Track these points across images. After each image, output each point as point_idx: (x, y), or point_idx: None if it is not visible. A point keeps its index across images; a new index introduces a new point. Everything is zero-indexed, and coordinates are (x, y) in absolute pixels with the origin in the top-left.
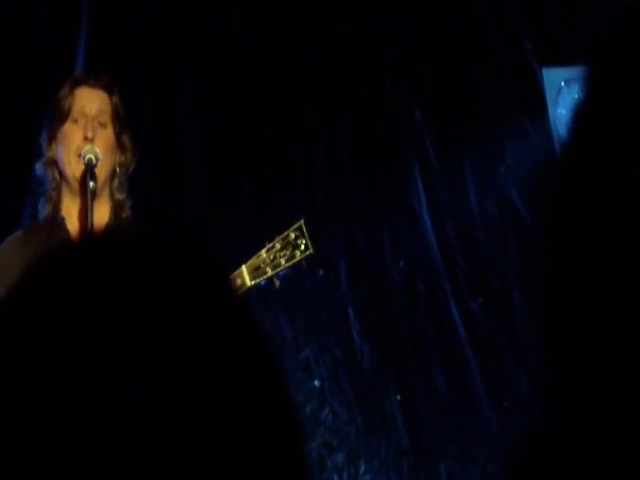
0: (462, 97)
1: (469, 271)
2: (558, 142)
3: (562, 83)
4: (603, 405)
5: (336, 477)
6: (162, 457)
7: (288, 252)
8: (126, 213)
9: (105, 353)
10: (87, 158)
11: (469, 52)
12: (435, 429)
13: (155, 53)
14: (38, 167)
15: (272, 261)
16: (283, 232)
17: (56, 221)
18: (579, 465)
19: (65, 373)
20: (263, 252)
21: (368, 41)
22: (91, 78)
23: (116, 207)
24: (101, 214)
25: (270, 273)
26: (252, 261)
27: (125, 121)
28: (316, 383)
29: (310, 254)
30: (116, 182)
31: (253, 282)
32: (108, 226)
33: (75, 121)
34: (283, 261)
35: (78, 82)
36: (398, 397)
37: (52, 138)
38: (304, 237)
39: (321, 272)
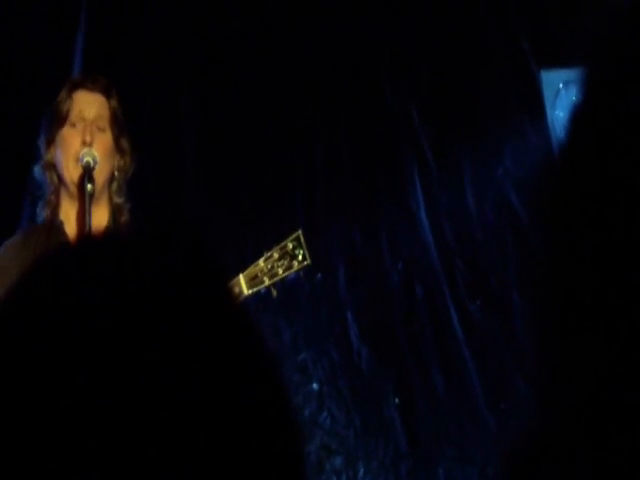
0: (460, 98)
1: (467, 273)
2: (556, 143)
3: (560, 85)
4: (603, 405)
5: None
6: (161, 458)
7: (286, 262)
8: (125, 217)
9: (104, 354)
10: (85, 161)
11: (468, 53)
12: (433, 431)
13: (154, 53)
14: (37, 170)
15: (270, 270)
16: (281, 242)
17: (55, 224)
18: (578, 466)
19: (64, 374)
20: (261, 261)
21: (367, 42)
22: (89, 81)
23: (115, 211)
24: (100, 218)
25: (267, 282)
26: (249, 270)
27: (124, 124)
28: (314, 386)
29: (308, 264)
30: (115, 186)
31: (250, 291)
32: (107, 229)
33: (73, 125)
34: (281, 271)
35: (76, 85)
36: (396, 399)
37: (51, 142)
38: (302, 247)
39: (319, 275)
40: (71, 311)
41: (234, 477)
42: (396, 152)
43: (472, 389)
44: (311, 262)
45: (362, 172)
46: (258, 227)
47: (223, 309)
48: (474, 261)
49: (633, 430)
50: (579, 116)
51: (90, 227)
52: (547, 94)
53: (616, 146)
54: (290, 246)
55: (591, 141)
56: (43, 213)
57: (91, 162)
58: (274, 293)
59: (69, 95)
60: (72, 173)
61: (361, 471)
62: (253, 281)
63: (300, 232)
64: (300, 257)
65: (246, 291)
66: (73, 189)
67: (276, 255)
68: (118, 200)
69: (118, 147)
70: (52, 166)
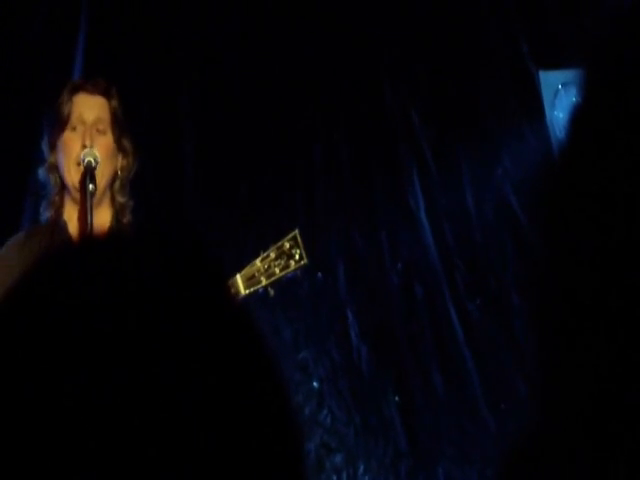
0: (460, 99)
1: (467, 273)
2: (555, 145)
3: (559, 86)
4: (602, 405)
5: (335, 478)
6: (161, 458)
7: (283, 261)
8: (128, 217)
9: (104, 353)
10: (86, 161)
11: (467, 54)
12: (433, 430)
13: (154, 54)
14: (41, 172)
15: (266, 270)
16: (278, 242)
17: (58, 225)
18: (578, 466)
19: (64, 373)
20: (257, 261)
21: (366, 43)
22: (89, 83)
23: (118, 211)
24: (103, 219)
25: (264, 282)
26: (246, 270)
27: (125, 125)
28: (315, 385)
29: (305, 264)
30: (117, 185)
31: (247, 291)
32: (108, 229)
33: (74, 129)
34: (277, 270)
35: (76, 88)
36: (396, 398)
37: (53, 145)
38: (298, 247)
39: (319, 274)
40: (71, 310)
41: (234, 476)
42: (396, 152)
43: (472, 389)
44: (308, 261)
45: (362, 172)
46: (258, 227)
47: (223, 308)
48: (473, 261)
49: (633, 430)
50: (579, 117)
51: (92, 227)
52: (546, 95)
53: (616, 147)
54: (287, 245)
55: (591, 142)
56: (47, 213)
57: (92, 162)
58: (271, 293)
59: (69, 98)
60: (73, 177)
61: (361, 469)
62: (250, 281)
63: (297, 232)
64: (297, 256)
65: (243, 291)
66: (75, 193)
67: (273, 255)
68: (121, 199)
69: (120, 148)
70: (55, 168)
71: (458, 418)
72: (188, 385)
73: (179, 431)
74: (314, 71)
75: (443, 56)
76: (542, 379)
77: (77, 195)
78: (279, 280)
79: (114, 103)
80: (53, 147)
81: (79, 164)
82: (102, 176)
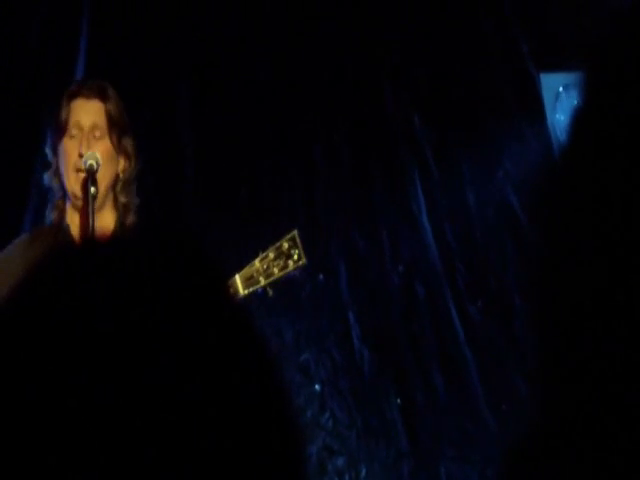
0: (460, 102)
1: (468, 275)
2: (556, 146)
3: (560, 88)
4: (603, 405)
5: None
6: (162, 459)
7: (281, 262)
8: (131, 218)
9: (104, 355)
10: (88, 164)
11: (467, 57)
12: (435, 432)
13: (154, 57)
14: (46, 176)
15: (265, 270)
16: (276, 242)
17: (62, 227)
18: (578, 466)
19: (66, 374)
20: (256, 261)
21: (367, 45)
22: (85, 88)
23: (121, 212)
24: (106, 221)
25: (263, 282)
26: (245, 270)
27: (125, 125)
28: (316, 387)
29: (303, 264)
30: (119, 187)
31: (246, 291)
32: (108, 232)
33: (72, 136)
34: (276, 270)
35: (73, 95)
36: (398, 400)
37: (54, 151)
38: (297, 247)
39: (321, 276)
40: (72, 311)
41: (235, 478)
42: (397, 154)
43: (473, 390)
44: (309, 263)
45: (362, 174)
46: (258, 229)
47: (224, 310)
48: (474, 262)
49: (633, 430)
50: (580, 119)
51: (94, 230)
52: (547, 97)
53: (616, 149)
54: (286, 246)
55: (591, 144)
56: (52, 216)
57: (94, 165)
58: (270, 293)
59: (67, 105)
60: (72, 184)
61: (363, 472)
62: (249, 281)
63: (296, 232)
64: (296, 256)
65: (242, 291)
66: (74, 200)
67: (272, 255)
68: (124, 200)
69: (120, 150)
70: (58, 174)
71: (459, 419)
72: (189, 387)
73: (181, 433)
74: (315, 73)
75: (444, 59)
76: (543, 379)
77: (77, 201)
78: (278, 280)
79: (109, 106)
80: (54, 153)
81: (77, 171)
82: (102, 179)
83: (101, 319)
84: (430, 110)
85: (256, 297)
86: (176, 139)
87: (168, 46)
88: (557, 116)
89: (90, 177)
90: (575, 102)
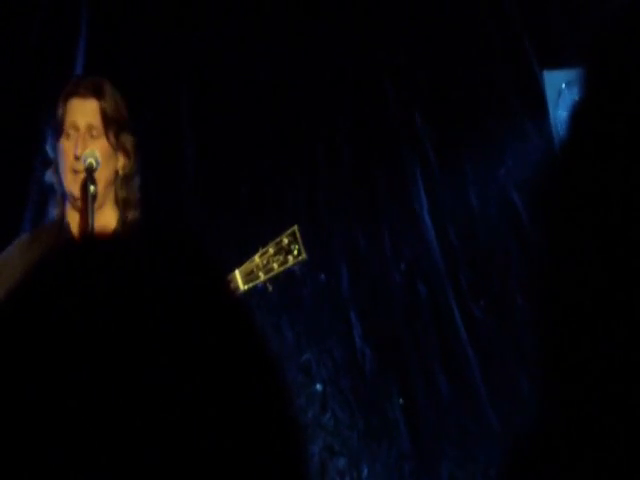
0: (462, 99)
1: (470, 273)
2: (559, 144)
3: (563, 85)
4: (604, 405)
5: None
6: (161, 458)
7: (281, 257)
8: (132, 213)
9: (102, 354)
10: (87, 162)
11: (469, 54)
12: (437, 432)
13: (154, 56)
14: (48, 174)
15: (265, 266)
16: (276, 238)
17: (62, 226)
18: (580, 466)
19: (65, 372)
20: (256, 257)
21: (369, 44)
22: (81, 86)
23: (122, 208)
24: (107, 219)
25: (263, 278)
26: (245, 266)
27: (122, 121)
28: (318, 387)
29: (303, 259)
30: (119, 183)
31: (246, 286)
32: (110, 230)
33: (68, 137)
34: (276, 266)
35: (69, 94)
36: (400, 400)
37: (54, 150)
38: (297, 242)
39: (322, 276)
40: (71, 310)
41: (236, 479)
42: (399, 153)
43: (475, 389)
44: (311, 261)
45: (364, 173)
46: (260, 228)
47: (225, 309)
48: (477, 261)
49: (633, 430)
50: (580, 115)
51: (93, 228)
52: (550, 94)
53: (617, 145)
54: (286, 241)
55: (592, 141)
56: (54, 212)
57: (94, 163)
58: (269, 288)
59: (63, 105)
60: (70, 185)
61: (365, 472)
62: (249, 276)
63: (296, 227)
64: (295, 252)
65: (242, 286)
66: (72, 200)
67: (272, 250)
68: (124, 195)
69: (118, 147)
70: (58, 173)
71: (462, 419)
72: (189, 387)
73: (180, 433)
74: (316, 73)
75: (446, 57)
76: (545, 379)
77: (75, 201)
78: (278, 276)
79: (105, 104)
80: (55, 152)
81: (74, 172)
82: (101, 179)
83: (100, 318)
84: (432, 109)
85: (257, 296)
86: (177, 138)
87: (169, 45)
88: (560, 113)
89: (89, 176)
90: (575, 98)
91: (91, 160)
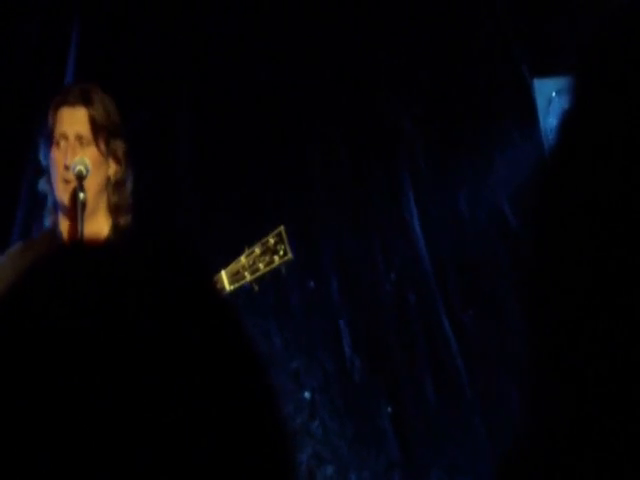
0: (453, 107)
1: (460, 282)
2: (549, 151)
3: (553, 93)
4: (595, 416)
5: None
6: (149, 464)
7: (267, 257)
8: (125, 218)
9: (91, 360)
10: (77, 169)
11: (460, 62)
12: (426, 440)
13: (148, 57)
14: (41, 183)
15: (251, 266)
16: (263, 238)
17: (55, 235)
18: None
19: (55, 378)
20: (242, 257)
21: (360, 52)
22: (70, 94)
23: (114, 214)
24: (99, 226)
25: (249, 278)
26: (231, 266)
27: (112, 128)
28: (306, 395)
29: (289, 259)
30: (111, 189)
31: (232, 287)
32: (107, 239)
33: (59, 147)
34: (262, 266)
35: (59, 103)
36: (389, 409)
37: (47, 159)
38: (283, 243)
39: (312, 283)
40: (60, 316)
41: None
42: (389, 161)
43: (464, 399)
44: (293, 257)
45: (356, 182)
46: (249, 235)
47: (214, 315)
48: (467, 270)
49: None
50: (570, 123)
51: (82, 235)
52: (540, 102)
53: (607, 153)
54: (272, 241)
55: (582, 148)
56: (49, 220)
57: (83, 170)
58: (255, 288)
59: (53, 114)
60: (61, 194)
61: None
62: (235, 277)
63: (282, 228)
64: (281, 252)
65: (228, 287)
66: (64, 210)
67: (258, 251)
68: (115, 200)
69: (109, 153)
70: (50, 182)
71: (450, 428)
72: (177, 393)
73: (169, 441)
74: (311, 77)
75: (437, 64)
76: (534, 388)
77: (66, 210)
78: (264, 276)
79: (93, 111)
80: (47, 160)
81: (65, 182)
82: (91, 186)
83: (88, 324)
84: (423, 116)
85: (246, 302)
86: (172, 138)
87: (165, 47)
88: (550, 121)
89: (79, 183)
90: (565, 106)
91: (80, 167)
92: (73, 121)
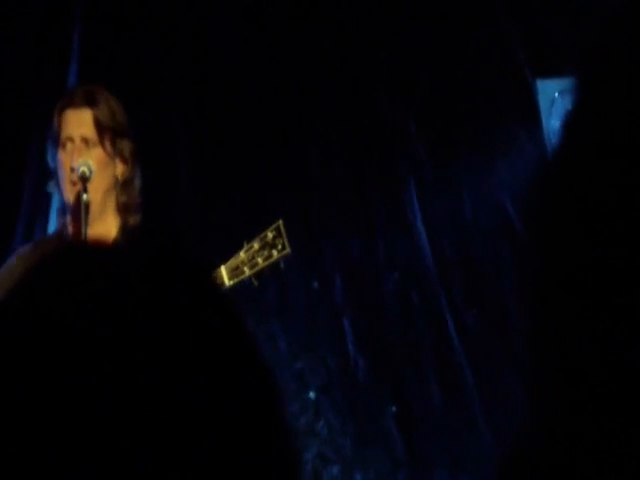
0: (456, 108)
1: (464, 282)
2: (551, 153)
3: (556, 94)
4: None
5: None
6: (152, 465)
7: (266, 252)
8: (134, 218)
9: (91, 362)
10: (80, 171)
11: (462, 63)
12: (430, 440)
13: (149, 58)
14: (51, 185)
15: (250, 261)
16: (261, 233)
17: (63, 236)
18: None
19: (59, 376)
20: (242, 253)
21: (363, 53)
22: (75, 96)
23: (123, 214)
24: (108, 227)
25: (248, 273)
26: (231, 262)
27: (119, 128)
28: (311, 395)
29: (287, 253)
30: (119, 189)
31: (232, 282)
32: (115, 240)
33: (65, 149)
34: (261, 260)
35: (64, 105)
36: (393, 408)
37: (54, 161)
38: (281, 237)
39: (316, 284)
40: (66, 315)
41: None
42: (392, 162)
43: (468, 398)
44: (290, 251)
45: (358, 182)
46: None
47: (218, 317)
48: (470, 270)
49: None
50: (572, 124)
51: (86, 236)
52: (543, 103)
53: (610, 154)
54: (270, 236)
55: (584, 149)
56: (58, 222)
57: (87, 172)
58: (255, 283)
59: (59, 116)
60: (68, 195)
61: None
62: (234, 272)
63: (280, 222)
64: (280, 246)
65: (227, 282)
66: (72, 212)
67: (257, 246)
68: (123, 199)
69: (115, 153)
70: (58, 185)
71: (455, 427)
72: (181, 394)
73: (170, 440)
74: (310, 78)
75: (439, 66)
76: (538, 387)
77: (73, 212)
78: (262, 270)
79: (98, 112)
80: (55, 163)
81: (72, 184)
82: (98, 187)
83: (92, 323)
84: (425, 117)
85: (252, 303)
86: (171, 143)
87: (164, 49)
88: (553, 122)
89: (82, 184)
90: (567, 107)
91: (84, 169)
92: (78, 123)
